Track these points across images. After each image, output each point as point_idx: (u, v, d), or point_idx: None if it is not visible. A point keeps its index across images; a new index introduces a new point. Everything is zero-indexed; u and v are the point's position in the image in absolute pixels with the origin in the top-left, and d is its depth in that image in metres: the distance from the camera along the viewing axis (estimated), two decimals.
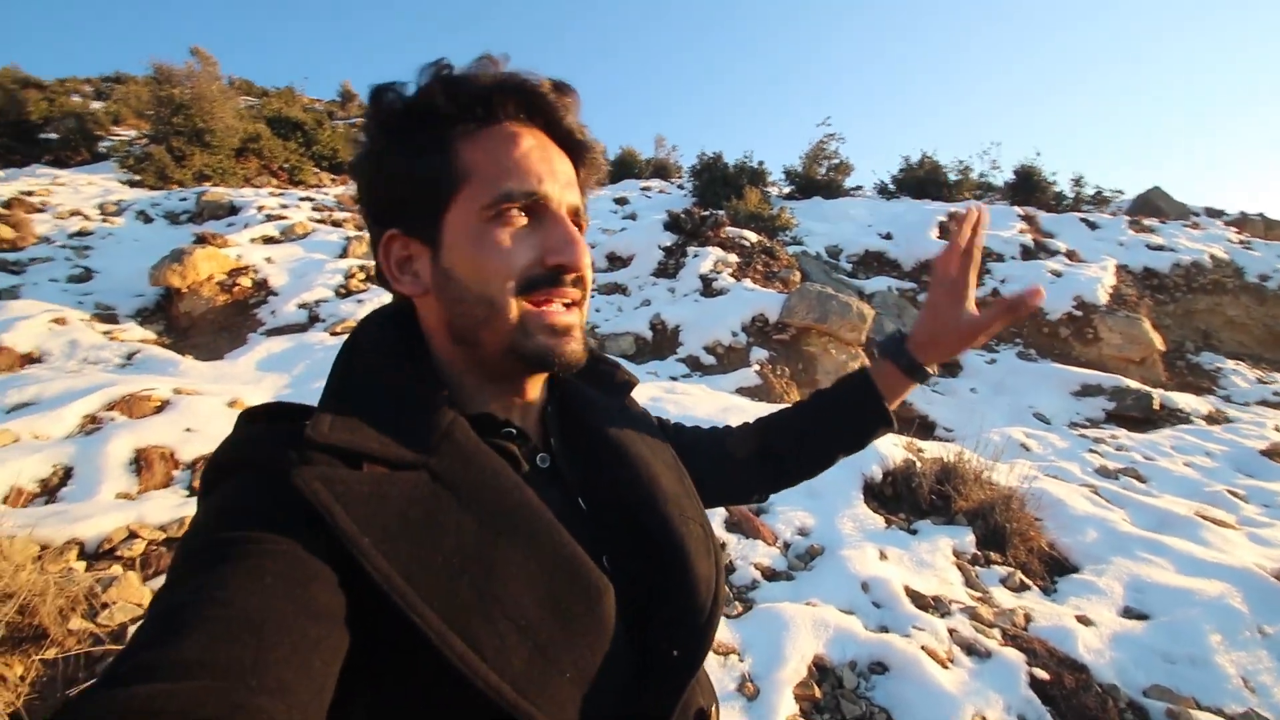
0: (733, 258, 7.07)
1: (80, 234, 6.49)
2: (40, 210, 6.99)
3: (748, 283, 6.57)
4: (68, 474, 2.61)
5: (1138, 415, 5.63)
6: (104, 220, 7.06)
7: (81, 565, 2.08)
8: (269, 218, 7.12)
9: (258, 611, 0.37)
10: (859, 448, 0.83)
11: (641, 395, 3.79)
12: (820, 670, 2.14)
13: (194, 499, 2.54)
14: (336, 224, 7.29)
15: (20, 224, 6.24)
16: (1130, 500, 3.70)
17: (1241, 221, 11.58)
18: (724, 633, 2.24)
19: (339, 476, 0.45)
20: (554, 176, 0.56)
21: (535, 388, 0.63)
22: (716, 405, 4.19)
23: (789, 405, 0.87)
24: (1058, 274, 8.03)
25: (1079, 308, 7.37)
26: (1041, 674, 2.13)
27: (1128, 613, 2.61)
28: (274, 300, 5.16)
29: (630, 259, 7.51)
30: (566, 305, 0.57)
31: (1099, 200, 11.63)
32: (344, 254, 6.05)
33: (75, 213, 7.09)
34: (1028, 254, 8.82)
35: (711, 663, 2.07)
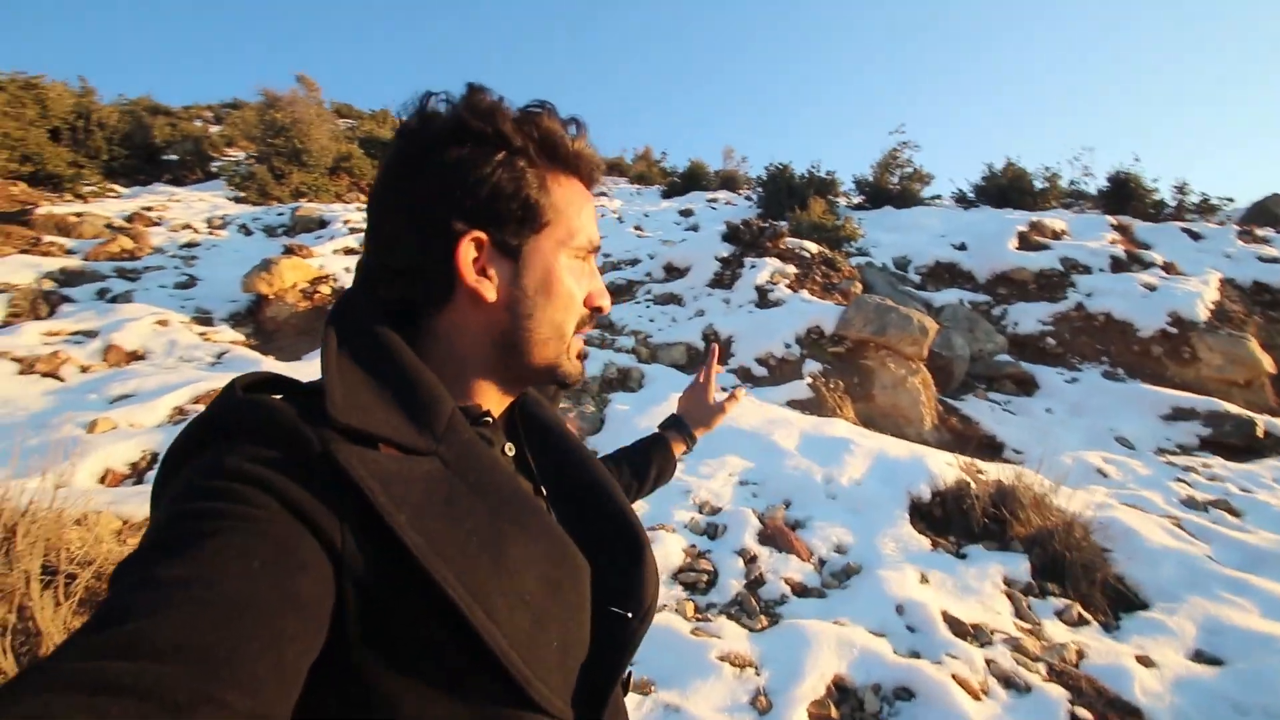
0: (791, 269, 6.95)
1: (189, 245, 7.18)
2: (157, 224, 7.79)
3: (805, 294, 6.44)
4: (154, 459, 2.91)
5: (1237, 443, 5.10)
6: (210, 233, 7.78)
7: None
8: (352, 230, 7.63)
9: (241, 597, 0.38)
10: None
11: None
12: (841, 691, 2.08)
13: None
14: None
15: (139, 236, 6.97)
16: (1218, 535, 3.37)
17: None
18: (741, 645, 2.21)
19: (369, 455, 0.47)
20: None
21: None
22: (761, 417, 4.14)
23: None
24: (1151, 287, 7.39)
25: (1174, 324, 6.75)
26: (1085, 714, 1.98)
27: (1198, 656, 2.39)
28: None
29: (687, 270, 7.52)
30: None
31: (1205, 208, 10.62)
32: None
33: (186, 226, 7.86)
34: (1118, 266, 8.17)
35: (726, 674, 2.06)
